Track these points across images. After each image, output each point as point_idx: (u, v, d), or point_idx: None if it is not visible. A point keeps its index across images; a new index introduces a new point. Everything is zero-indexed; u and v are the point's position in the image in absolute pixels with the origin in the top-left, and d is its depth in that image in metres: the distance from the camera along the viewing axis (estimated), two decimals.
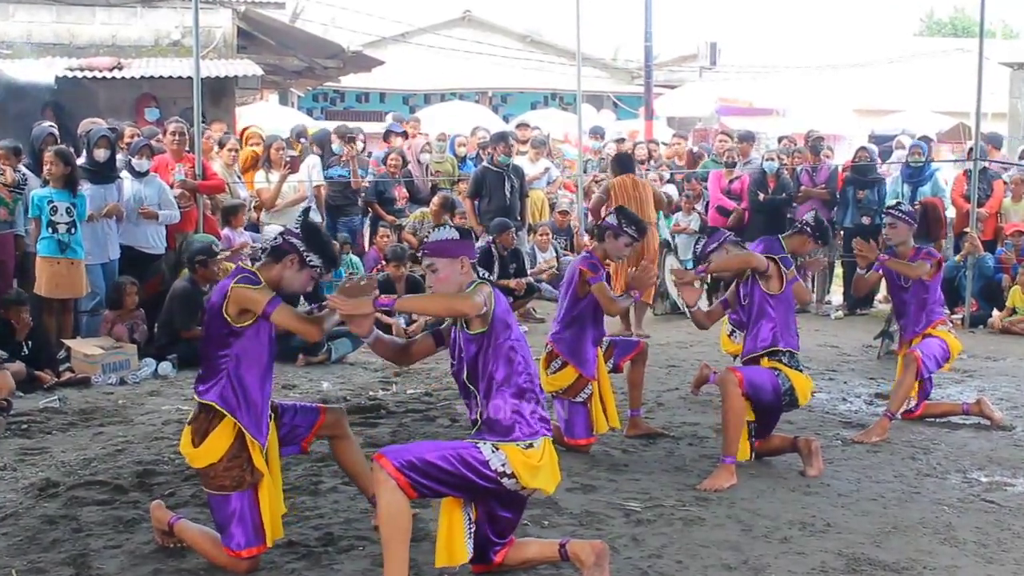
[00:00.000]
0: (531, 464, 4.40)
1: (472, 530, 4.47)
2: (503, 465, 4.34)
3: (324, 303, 4.80)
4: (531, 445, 4.42)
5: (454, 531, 4.42)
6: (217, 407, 4.72)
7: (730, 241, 6.63)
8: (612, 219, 6.94)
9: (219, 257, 9.76)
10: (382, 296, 4.41)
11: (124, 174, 10.23)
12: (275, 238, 4.97)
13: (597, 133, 16.87)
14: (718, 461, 6.23)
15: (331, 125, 15.82)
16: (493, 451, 4.36)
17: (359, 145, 13.52)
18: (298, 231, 4.89)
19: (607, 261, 6.99)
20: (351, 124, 15.50)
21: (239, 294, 4.68)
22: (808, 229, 7.40)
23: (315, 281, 4.92)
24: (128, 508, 5.67)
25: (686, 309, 6.87)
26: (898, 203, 8.45)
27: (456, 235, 4.62)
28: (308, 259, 4.81)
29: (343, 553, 5.00)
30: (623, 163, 12.05)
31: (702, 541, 5.17)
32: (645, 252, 11.40)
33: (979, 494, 5.97)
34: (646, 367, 7.33)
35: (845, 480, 6.22)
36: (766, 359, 6.36)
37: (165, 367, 9.28)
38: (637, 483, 6.15)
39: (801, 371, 6.40)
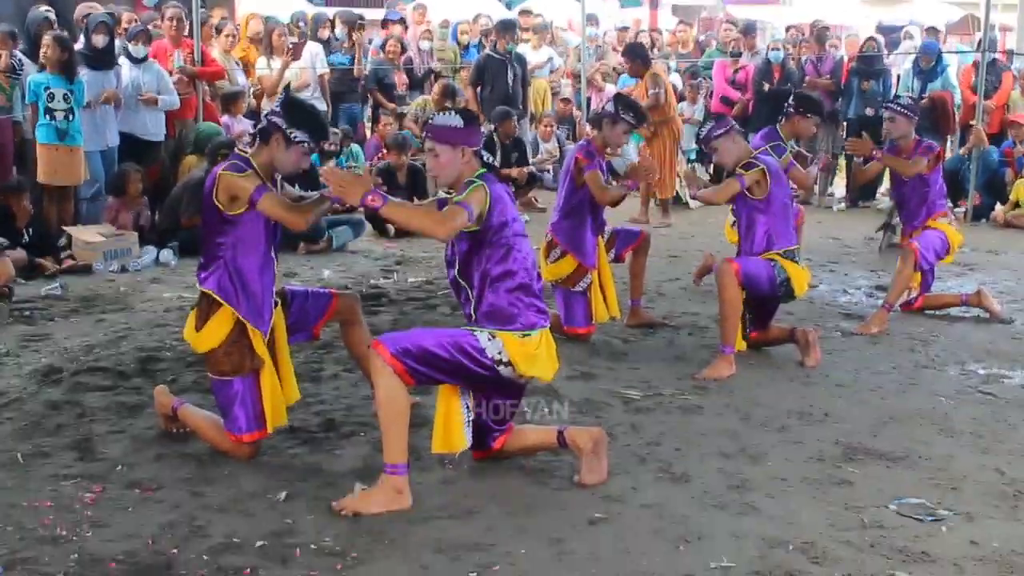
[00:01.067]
0: (528, 352, 4.40)
1: (470, 418, 4.50)
2: (500, 353, 4.35)
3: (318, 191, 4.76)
4: (527, 335, 4.42)
5: (451, 418, 4.45)
6: (215, 295, 4.72)
7: (736, 131, 6.53)
8: (610, 106, 6.88)
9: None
10: (371, 195, 4.26)
11: (122, 60, 10.11)
12: (260, 120, 4.89)
13: (591, 20, 16.62)
14: (717, 351, 6.26)
15: (331, 12, 15.59)
16: (490, 339, 4.36)
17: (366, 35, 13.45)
18: (279, 109, 4.79)
19: (607, 149, 6.93)
20: (354, 11, 15.30)
21: (226, 181, 4.62)
22: (791, 110, 7.37)
23: (307, 157, 4.77)
24: (131, 394, 5.71)
25: (689, 197, 6.91)
26: (896, 96, 8.34)
27: (460, 123, 4.49)
28: (292, 135, 4.65)
29: (344, 439, 5.05)
30: (646, 55, 11.90)
31: (700, 429, 5.22)
32: (663, 144, 11.37)
33: (976, 386, 6.01)
34: (647, 257, 7.33)
35: (843, 371, 6.26)
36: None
37: (166, 254, 9.27)
38: (636, 372, 6.18)
39: (798, 262, 6.38)
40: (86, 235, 9.14)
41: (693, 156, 13.48)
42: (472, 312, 4.50)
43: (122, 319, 7.39)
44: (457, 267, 4.51)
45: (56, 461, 4.75)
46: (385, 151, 11.80)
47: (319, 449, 4.92)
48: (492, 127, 11.82)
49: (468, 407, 4.50)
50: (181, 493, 4.41)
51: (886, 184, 13.10)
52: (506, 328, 4.38)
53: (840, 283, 8.71)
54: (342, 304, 5.08)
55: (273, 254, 4.84)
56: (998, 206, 12.09)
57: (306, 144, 4.69)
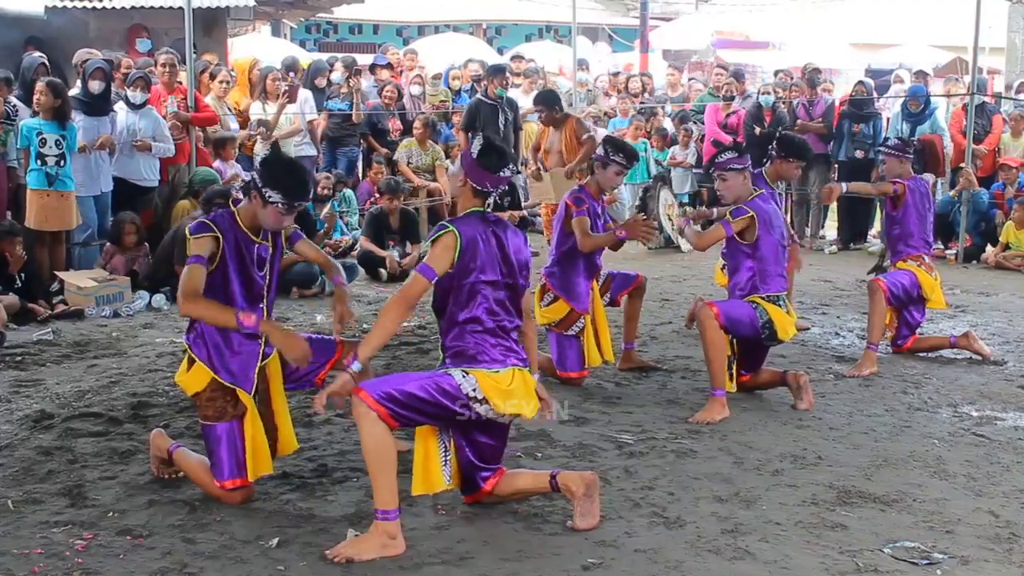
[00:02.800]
0: (501, 388, 4.40)
1: (447, 458, 4.52)
2: (474, 390, 4.36)
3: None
4: (496, 371, 4.43)
5: (429, 459, 4.48)
6: (188, 349, 4.77)
7: (749, 171, 6.44)
8: (600, 149, 6.93)
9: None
10: (347, 359, 4.33)
11: (120, 106, 10.15)
12: (249, 174, 4.91)
13: (582, 65, 16.75)
14: (709, 394, 6.26)
15: (324, 57, 15.72)
16: (463, 376, 4.38)
17: (362, 80, 13.61)
18: (258, 165, 4.81)
19: (603, 193, 6.96)
20: (340, 55, 15.44)
21: (188, 242, 4.67)
22: (775, 153, 7.46)
23: (287, 216, 4.70)
24: (123, 440, 5.68)
25: (680, 237, 6.89)
26: (886, 138, 8.41)
27: (474, 151, 4.56)
28: (267, 195, 4.60)
29: (337, 484, 5.03)
30: (559, 103, 10.72)
31: (694, 473, 5.20)
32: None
33: (969, 428, 6.01)
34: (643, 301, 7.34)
35: (836, 414, 6.26)
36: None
37: (159, 300, 9.26)
38: (630, 416, 6.18)
39: (781, 307, 6.34)
40: (79, 280, 9.13)
41: (686, 199, 13.53)
42: (440, 352, 4.55)
43: (114, 364, 7.38)
44: (432, 299, 4.58)
45: (47, 508, 4.73)
46: (377, 195, 11.83)
47: (312, 495, 4.90)
48: None
49: (446, 447, 4.52)
50: (173, 540, 4.38)
51: (877, 226, 13.22)
52: (474, 366, 4.41)
53: (832, 326, 8.72)
54: (346, 353, 5.03)
55: (261, 308, 4.81)
56: (989, 248, 12.15)
57: (280, 204, 4.61)
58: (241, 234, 4.72)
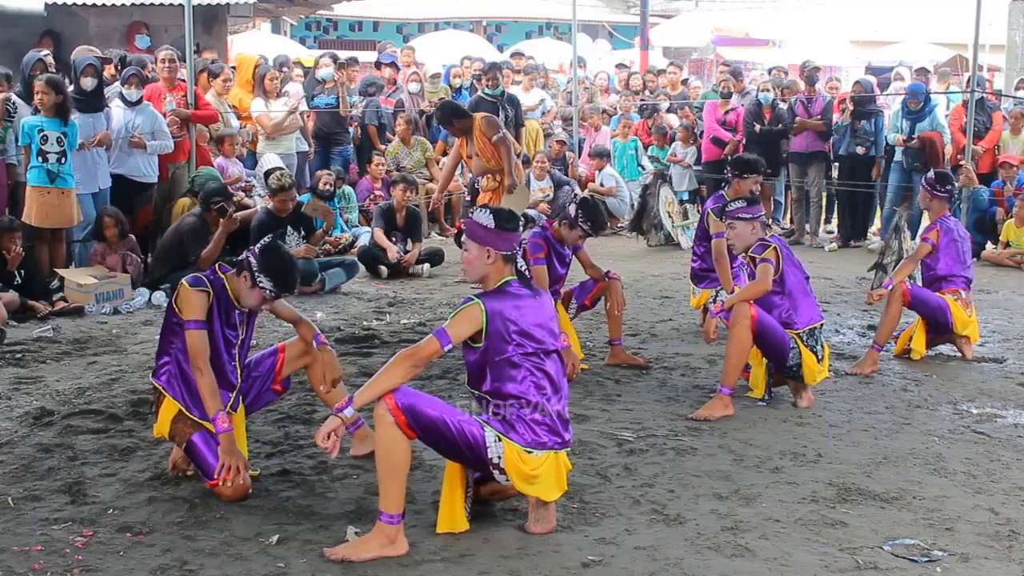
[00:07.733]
0: (525, 471, 4.29)
1: (470, 501, 4.48)
2: (499, 459, 4.28)
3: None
4: (531, 452, 4.30)
5: (455, 503, 4.40)
6: (162, 389, 4.93)
7: (760, 221, 6.41)
8: (572, 209, 6.95)
9: (234, 200, 9.71)
10: (341, 402, 4.26)
11: (117, 103, 10.14)
12: (245, 253, 4.97)
13: (580, 63, 16.78)
14: (712, 392, 6.25)
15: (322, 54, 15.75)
16: (496, 440, 4.28)
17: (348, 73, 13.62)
18: (258, 249, 4.91)
19: (564, 243, 7.06)
20: (340, 52, 15.47)
21: (183, 292, 4.86)
22: (730, 175, 7.96)
23: (270, 301, 4.96)
24: (123, 437, 5.68)
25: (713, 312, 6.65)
26: (937, 173, 8.09)
27: (491, 223, 4.39)
28: (258, 280, 4.83)
29: (337, 481, 5.03)
30: (460, 111, 9.64)
31: (694, 471, 5.20)
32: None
33: (969, 425, 6.01)
34: (637, 298, 7.33)
35: (836, 411, 6.26)
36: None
37: (159, 297, 9.24)
38: (630, 413, 6.18)
39: (817, 352, 6.27)
40: (78, 277, 9.12)
41: (685, 196, 13.53)
42: (476, 399, 4.45)
43: (114, 361, 7.38)
44: (467, 377, 4.47)
45: (47, 505, 4.73)
46: (392, 185, 11.70)
47: (311, 492, 4.90)
48: None
49: (469, 494, 4.47)
50: (172, 537, 4.38)
51: (877, 224, 13.23)
52: (511, 436, 4.30)
53: (832, 323, 8.70)
54: (291, 354, 5.20)
55: (233, 357, 5.03)
56: (988, 245, 12.14)
57: (268, 292, 4.86)
58: (226, 299, 4.96)
